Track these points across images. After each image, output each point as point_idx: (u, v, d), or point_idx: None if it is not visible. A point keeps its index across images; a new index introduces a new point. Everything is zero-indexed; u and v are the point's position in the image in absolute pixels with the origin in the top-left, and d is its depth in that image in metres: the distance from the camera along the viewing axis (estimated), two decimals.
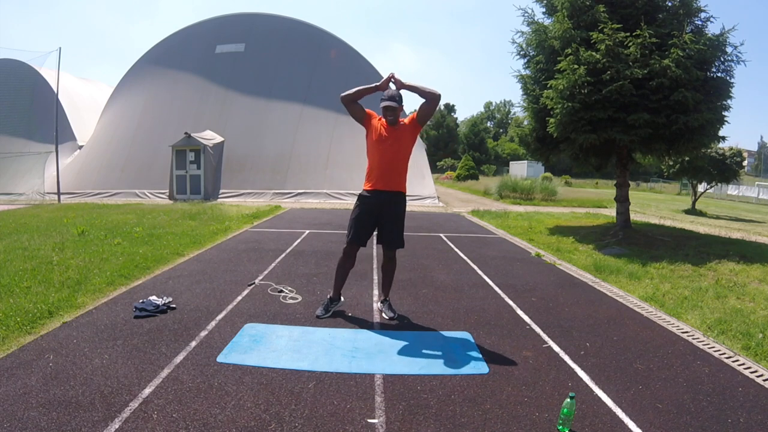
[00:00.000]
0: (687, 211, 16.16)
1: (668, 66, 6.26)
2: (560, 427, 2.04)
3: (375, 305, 3.77)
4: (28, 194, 15.17)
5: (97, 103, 19.70)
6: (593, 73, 6.64)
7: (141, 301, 3.61)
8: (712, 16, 7.24)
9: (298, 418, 2.09)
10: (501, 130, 69.38)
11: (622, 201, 8.08)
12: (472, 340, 3.09)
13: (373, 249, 5.73)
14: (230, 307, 3.66)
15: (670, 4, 7.37)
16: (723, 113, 6.84)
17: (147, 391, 2.29)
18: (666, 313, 3.84)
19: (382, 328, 3.31)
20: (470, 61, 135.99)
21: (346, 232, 3.48)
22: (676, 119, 6.45)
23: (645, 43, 6.49)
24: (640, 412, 2.22)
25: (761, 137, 69.01)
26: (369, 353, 2.83)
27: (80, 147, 17.91)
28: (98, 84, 23.45)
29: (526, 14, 8.32)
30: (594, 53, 6.63)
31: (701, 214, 15.77)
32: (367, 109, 3.45)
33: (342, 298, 3.69)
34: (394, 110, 3.28)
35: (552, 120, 7.15)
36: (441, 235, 7.83)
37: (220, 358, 2.69)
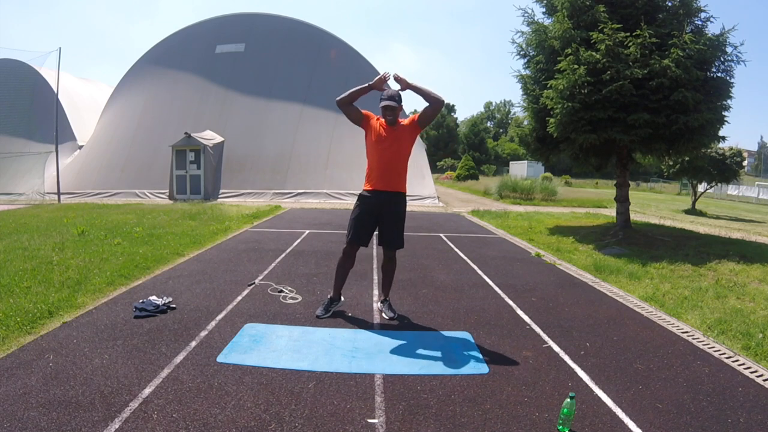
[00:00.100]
0: (687, 211, 16.16)
1: (668, 66, 6.26)
2: (560, 427, 2.04)
3: (375, 305, 3.77)
4: (28, 194, 15.17)
5: (97, 103, 19.70)
6: (593, 73, 6.64)
7: (141, 301, 3.61)
8: (712, 16, 7.25)
9: (298, 418, 2.09)
10: (501, 130, 69.40)
11: (622, 201, 8.08)
12: (472, 340, 3.09)
13: (373, 249, 5.73)
14: (230, 307, 3.66)
15: (670, 4, 7.37)
16: (723, 113, 6.84)
17: (147, 391, 2.29)
18: (666, 313, 3.84)
19: (382, 328, 3.31)
20: (470, 61, 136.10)
21: (345, 232, 3.48)
22: (676, 119, 6.46)
23: (645, 43, 6.50)
24: (640, 412, 2.23)
25: (761, 137, 69.05)
26: (369, 353, 2.83)
27: (80, 147, 17.91)
28: (98, 84, 23.45)
29: (526, 14, 8.33)
30: (594, 53, 6.63)
31: (701, 214, 15.77)
32: (364, 111, 3.44)
33: (342, 298, 3.69)
34: (393, 110, 3.28)
35: (552, 120, 7.15)
36: (441, 235, 7.83)
37: (220, 358, 2.69)
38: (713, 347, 3.09)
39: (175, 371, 2.52)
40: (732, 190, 29.88)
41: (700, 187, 17.92)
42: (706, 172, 15.63)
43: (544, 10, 8.49)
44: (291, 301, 3.84)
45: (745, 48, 6.68)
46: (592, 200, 17.08)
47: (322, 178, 14.98)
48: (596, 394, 2.39)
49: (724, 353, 2.99)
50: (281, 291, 4.10)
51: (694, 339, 3.24)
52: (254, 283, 4.38)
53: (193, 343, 2.91)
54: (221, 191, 14.92)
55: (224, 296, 3.93)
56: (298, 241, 6.85)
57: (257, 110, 16.29)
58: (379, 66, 17.15)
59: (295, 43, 17.03)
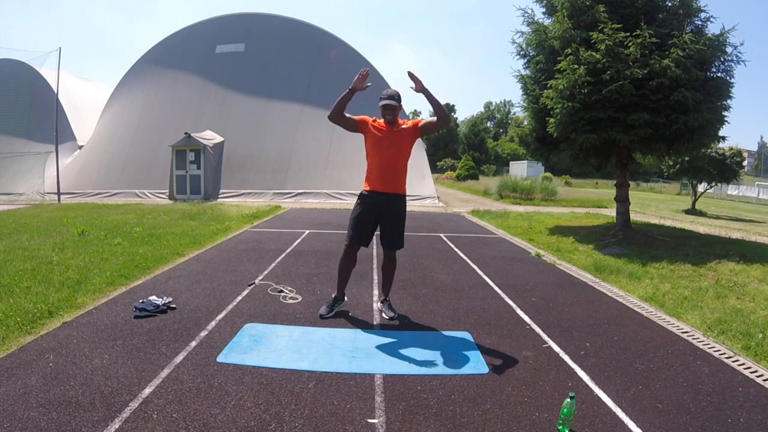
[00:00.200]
0: (687, 211, 16.16)
1: (668, 66, 6.26)
2: (560, 427, 2.04)
3: (375, 305, 3.77)
4: (28, 194, 15.17)
5: (97, 103, 19.70)
6: (593, 73, 6.64)
7: (141, 301, 3.61)
8: (712, 16, 7.25)
9: (298, 418, 2.09)
10: (501, 130, 69.41)
11: (622, 201, 8.08)
12: (472, 340, 3.09)
13: (374, 249, 5.74)
14: (230, 307, 3.66)
15: (670, 4, 7.37)
16: (723, 113, 6.84)
17: (147, 391, 2.29)
18: (666, 313, 3.84)
19: (382, 328, 3.31)
20: (470, 61, 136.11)
21: (346, 232, 3.48)
22: (676, 119, 6.46)
23: (645, 43, 6.50)
24: (640, 412, 2.22)
25: (761, 137, 69.10)
26: (369, 353, 2.83)
27: (80, 147, 17.91)
28: (98, 84, 23.45)
29: (526, 14, 8.33)
30: (594, 53, 6.63)
31: (701, 214, 15.77)
32: (357, 117, 3.40)
33: (345, 298, 3.69)
34: (393, 109, 3.27)
35: (552, 120, 7.15)
36: (441, 235, 7.83)
37: (220, 358, 2.69)
38: (713, 347, 3.09)
39: (175, 371, 2.52)
40: (732, 190, 29.89)
41: (700, 187, 17.92)
42: (706, 172, 15.63)
43: (544, 10, 8.49)
44: (291, 301, 3.84)
45: (745, 48, 6.70)
46: (592, 200, 17.08)
47: (322, 178, 14.98)
48: (596, 394, 2.39)
49: (724, 353, 2.99)
50: (281, 291, 4.10)
51: (694, 339, 3.24)
52: (254, 283, 4.38)
53: (193, 343, 2.91)
54: (221, 191, 14.92)
55: (224, 296, 3.93)
56: (298, 241, 6.85)
57: (257, 110, 16.29)
58: (379, 66, 17.14)
59: (295, 43, 17.03)
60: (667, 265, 5.57)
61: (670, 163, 14.88)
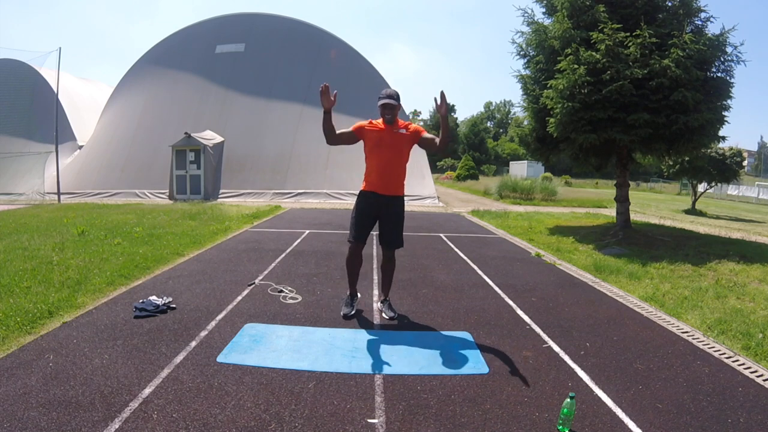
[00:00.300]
0: (687, 211, 16.16)
1: (668, 66, 6.26)
2: (560, 427, 2.04)
3: (375, 305, 3.77)
4: (28, 194, 15.18)
5: (97, 103, 19.70)
6: (593, 73, 6.64)
7: (141, 301, 3.61)
8: (712, 16, 7.25)
9: (298, 418, 2.09)
10: (501, 130, 69.39)
11: (622, 201, 8.08)
12: (472, 340, 3.09)
13: (374, 249, 5.74)
14: (230, 307, 3.66)
15: (670, 4, 7.37)
16: (723, 113, 6.85)
17: (147, 391, 2.29)
18: (666, 313, 3.84)
19: (382, 328, 3.31)
20: (470, 61, 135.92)
21: (346, 231, 3.49)
22: (676, 119, 6.46)
23: (645, 43, 6.50)
24: (640, 412, 2.23)
25: (761, 137, 69.08)
26: (369, 353, 2.84)
27: (80, 147, 17.91)
28: (98, 84, 23.46)
29: (526, 14, 8.34)
30: (594, 53, 6.63)
31: (701, 214, 15.77)
32: (352, 127, 3.37)
33: (358, 294, 3.73)
34: (392, 108, 3.26)
35: (552, 120, 7.15)
36: (441, 235, 7.83)
37: (220, 358, 2.69)
38: (713, 347, 3.09)
39: (175, 371, 2.52)
40: (732, 190, 29.89)
41: (700, 187, 17.93)
42: (706, 172, 15.63)
43: (544, 10, 8.49)
44: (291, 301, 3.84)
45: (745, 48, 6.70)
46: (592, 200, 17.08)
47: (322, 178, 14.98)
48: (596, 394, 2.39)
49: (724, 353, 2.99)
50: (281, 291, 4.10)
51: (694, 339, 3.24)
52: (254, 283, 4.38)
53: (193, 343, 2.91)
54: (221, 191, 14.92)
55: (224, 296, 3.93)
56: (298, 241, 6.85)
57: (257, 110, 16.29)
58: (378, 66, 17.13)
59: (295, 43, 17.03)
60: (667, 265, 5.57)
61: (670, 163, 14.88)
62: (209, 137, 15.36)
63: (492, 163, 53.66)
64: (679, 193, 32.61)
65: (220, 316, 3.42)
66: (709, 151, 14.27)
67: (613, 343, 3.11)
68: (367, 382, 2.47)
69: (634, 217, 10.47)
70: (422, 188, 14.63)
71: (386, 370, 2.61)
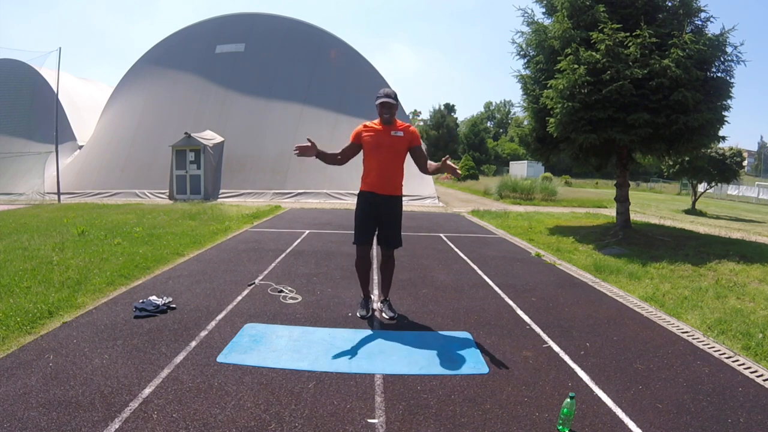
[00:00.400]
0: (687, 211, 16.16)
1: (668, 66, 6.26)
2: (560, 427, 2.04)
3: (375, 305, 3.77)
4: (28, 194, 15.18)
5: (97, 103, 19.70)
6: (593, 73, 6.64)
7: (141, 301, 3.61)
8: (712, 16, 7.25)
9: (298, 418, 2.09)
10: (501, 130, 69.36)
11: (622, 201, 8.08)
12: (472, 340, 3.09)
13: (373, 249, 5.72)
14: (230, 307, 3.66)
15: (670, 4, 7.37)
16: (723, 113, 6.85)
17: (147, 391, 2.29)
18: (666, 313, 3.84)
19: (382, 328, 3.31)
20: (470, 61, 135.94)
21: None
22: (676, 119, 6.46)
23: (645, 43, 6.50)
24: (640, 412, 2.23)
25: (761, 137, 69.06)
26: (369, 353, 2.84)
27: (80, 147, 17.91)
28: (98, 84, 23.45)
29: (525, 14, 8.34)
30: (594, 53, 6.63)
31: (701, 214, 15.77)
32: (351, 137, 3.40)
33: (371, 296, 3.75)
34: (391, 107, 3.25)
35: (552, 120, 7.15)
36: (441, 235, 7.83)
37: (220, 358, 2.69)
38: (713, 347, 3.09)
39: (175, 371, 2.52)
40: (732, 190, 29.88)
41: (700, 187, 17.93)
42: (706, 172, 15.63)
43: (544, 10, 8.49)
44: (291, 301, 3.84)
45: (745, 48, 6.70)
46: (592, 200, 17.08)
47: (322, 178, 14.97)
48: (596, 394, 2.39)
49: (724, 353, 2.99)
50: (281, 291, 4.10)
51: (694, 339, 3.24)
52: (254, 283, 4.38)
53: (193, 343, 2.91)
54: (221, 191, 14.92)
55: (224, 296, 3.93)
56: (298, 241, 6.85)
57: (257, 110, 16.29)
58: (379, 66, 17.13)
59: (295, 43, 17.03)
60: (667, 265, 5.57)
61: (670, 163, 14.87)
62: (209, 137, 15.36)
63: (492, 163, 53.64)
64: (679, 193, 32.61)
65: (220, 316, 3.42)
66: (709, 151, 14.26)
67: (613, 343, 3.11)
68: (367, 382, 2.47)
69: (634, 217, 10.48)
70: (422, 188, 14.62)
71: (386, 370, 2.61)
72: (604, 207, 15.11)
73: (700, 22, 7.31)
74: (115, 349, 2.78)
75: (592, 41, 6.81)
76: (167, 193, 14.80)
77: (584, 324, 3.49)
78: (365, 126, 3.36)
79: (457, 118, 63.85)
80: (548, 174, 34.34)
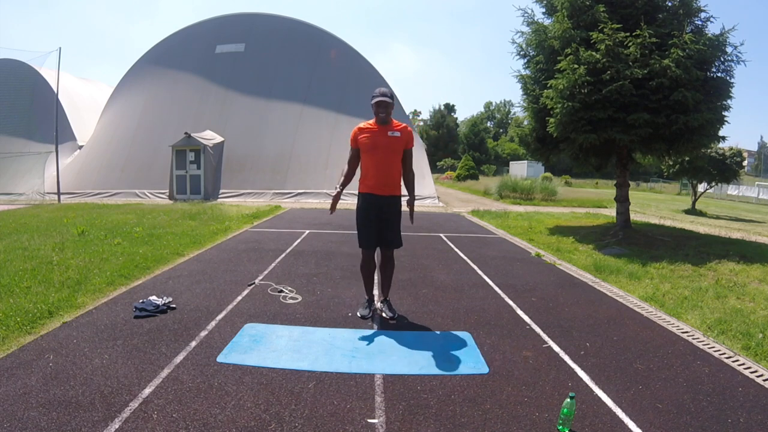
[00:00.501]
0: (687, 211, 16.16)
1: (668, 66, 6.26)
2: (560, 427, 2.04)
3: (375, 305, 3.77)
4: (28, 194, 15.17)
5: (97, 103, 19.70)
6: (593, 73, 6.64)
7: (141, 301, 3.61)
8: (712, 16, 7.25)
9: (298, 418, 2.09)
10: (501, 130, 69.35)
11: (622, 201, 8.08)
12: (472, 340, 3.09)
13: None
14: (230, 307, 3.66)
15: (670, 4, 7.37)
16: (723, 113, 6.85)
17: (147, 391, 2.29)
18: (666, 313, 3.84)
19: (382, 328, 3.31)
20: (470, 61, 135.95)
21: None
22: (676, 119, 6.46)
23: (645, 43, 6.50)
24: (640, 412, 2.23)
25: (761, 137, 69.06)
26: (369, 353, 2.84)
27: (80, 147, 17.91)
28: (98, 84, 23.45)
29: (525, 14, 8.34)
30: (594, 53, 6.63)
31: (701, 214, 15.77)
32: (350, 144, 3.39)
33: (375, 298, 3.75)
34: (387, 106, 3.23)
35: (552, 120, 7.15)
36: (441, 235, 7.83)
37: (220, 358, 2.69)
38: (713, 347, 3.09)
39: (175, 371, 2.52)
40: (732, 190, 29.88)
41: (700, 187, 17.93)
42: (706, 172, 15.63)
43: (544, 10, 8.49)
44: (291, 301, 3.84)
45: (745, 48, 6.70)
46: (592, 200, 17.08)
47: (322, 178, 14.97)
48: (596, 394, 2.39)
49: (724, 353, 2.99)
50: (281, 291, 4.10)
51: (694, 339, 3.24)
52: (254, 283, 4.38)
53: (193, 343, 2.91)
54: (221, 191, 14.92)
55: (224, 296, 3.93)
56: (298, 241, 6.85)
57: (257, 110, 16.29)
58: (379, 66, 17.14)
59: (295, 43, 17.03)
60: (667, 265, 5.57)
61: (670, 163, 14.87)
62: (209, 137, 15.36)
63: (492, 163, 53.62)
64: (679, 193, 32.61)
65: (220, 316, 3.42)
66: (709, 151, 14.27)
67: (613, 343, 3.11)
68: (367, 382, 2.47)
69: (634, 217, 10.48)
70: (422, 188, 14.61)
71: (386, 370, 2.61)
72: (604, 207, 15.11)
73: (700, 22, 7.31)
74: (115, 349, 2.78)
75: (592, 41, 6.81)
76: (167, 193, 14.80)
77: (584, 324, 3.49)
78: (360, 128, 3.34)
79: (457, 118, 63.88)
80: (548, 174, 34.35)
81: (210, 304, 3.70)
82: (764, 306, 4.01)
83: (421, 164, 15.19)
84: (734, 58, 6.78)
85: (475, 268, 5.35)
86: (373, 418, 2.12)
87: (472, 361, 2.75)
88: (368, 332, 3.20)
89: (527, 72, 8.61)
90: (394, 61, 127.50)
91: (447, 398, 2.31)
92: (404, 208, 3.48)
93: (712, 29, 8.04)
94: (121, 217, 9.13)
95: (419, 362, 2.72)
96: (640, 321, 3.61)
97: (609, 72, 6.51)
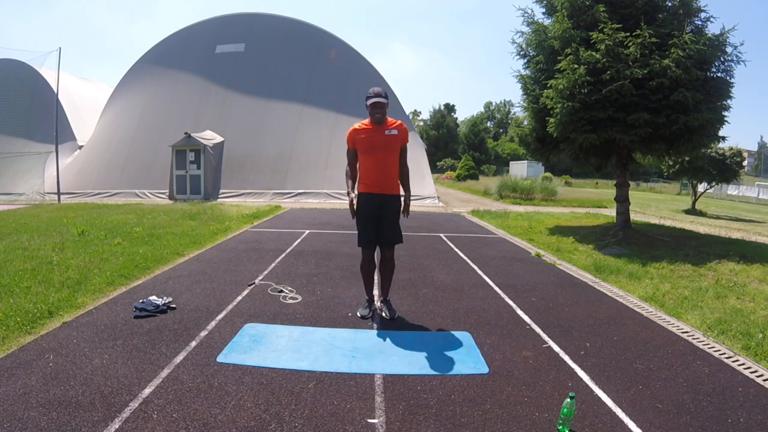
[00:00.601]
0: (687, 211, 16.16)
1: (668, 66, 6.26)
2: (560, 427, 2.04)
3: (375, 305, 3.77)
4: (28, 194, 15.17)
5: (97, 103, 19.70)
6: (593, 73, 6.64)
7: (141, 301, 3.61)
8: (712, 16, 7.25)
9: (298, 418, 2.09)
10: (501, 130, 69.33)
11: (622, 201, 8.08)
12: (472, 340, 3.09)
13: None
14: (230, 307, 3.66)
15: (670, 4, 7.37)
16: (723, 113, 6.84)
17: (147, 391, 2.29)
18: (666, 313, 3.84)
19: (382, 328, 3.31)
20: (470, 61, 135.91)
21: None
22: (676, 119, 6.46)
23: (645, 43, 6.50)
24: (640, 412, 2.22)
25: (761, 137, 69.04)
26: (369, 353, 2.84)
27: (80, 147, 17.91)
28: (98, 84, 23.45)
29: (525, 14, 8.34)
30: (594, 53, 6.63)
31: (701, 214, 15.77)
32: (348, 144, 3.42)
33: (375, 298, 3.75)
34: (382, 107, 3.22)
35: (552, 120, 7.15)
36: (441, 235, 7.83)
37: (220, 358, 2.69)
38: (713, 347, 3.09)
39: (175, 371, 2.52)
40: (732, 190, 29.88)
41: (700, 187, 17.93)
42: (706, 172, 15.63)
43: (544, 10, 8.49)
44: (291, 301, 3.84)
45: (745, 48, 6.70)
46: (592, 200, 17.08)
47: (322, 178, 14.98)
48: (596, 394, 2.39)
49: (724, 353, 2.99)
50: (281, 291, 4.10)
51: (694, 339, 3.24)
52: (254, 283, 4.38)
53: (193, 343, 2.91)
54: (221, 191, 14.93)
55: (224, 296, 3.93)
56: (298, 241, 6.85)
57: (257, 110, 16.29)
58: (379, 66, 17.14)
59: (295, 43, 17.04)
60: (667, 265, 5.57)
61: (670, 163, 14.87)
62: (209, 137, 15.37)
63: (492, 163, 53.61)
64: (679, 193, 32.61)
65: (220, 316, 3.42)
66: (709, 151, 14.27)
67: (613, 343, 3.11)
68: (367, 382, 2.47)
69: (634, 217, 10.48)
70: (422, 188, 14.62)
71: (386, 370, 2.61)
72: (604, 207, 15.11)
73: (700, 22, 7.31)
74: (115, 349, 2.78)
75: (592, 41, 6.81)
76: (167, 193, 14.80)
77: (584, 324, 3.49)
78: (356, 129, 3.34)
79: (457, 118, 63.87)
80: (548, 174, 34.35)
81: (210, 304, 3.70)
82: (764, 306, 4.01)
83: (421, 164, 15.19)
84: (734, 58, 6.79)
85: (475, 268, 5.35)
86: (373, 418, 2.12)
87: (472, 361, 2.75)
88: (368, 332, 3.20)
89: (527, 72, 8.61)
90: (394, 61, 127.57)
91: (447, 398, 2.31)
92: None
93: (712, 29, 8.06)
94: (121, 217, 9.13)
95: (419, 362, 2.72)
96: (640, 321, 3.61)
97: (609, 72, 6.51)
